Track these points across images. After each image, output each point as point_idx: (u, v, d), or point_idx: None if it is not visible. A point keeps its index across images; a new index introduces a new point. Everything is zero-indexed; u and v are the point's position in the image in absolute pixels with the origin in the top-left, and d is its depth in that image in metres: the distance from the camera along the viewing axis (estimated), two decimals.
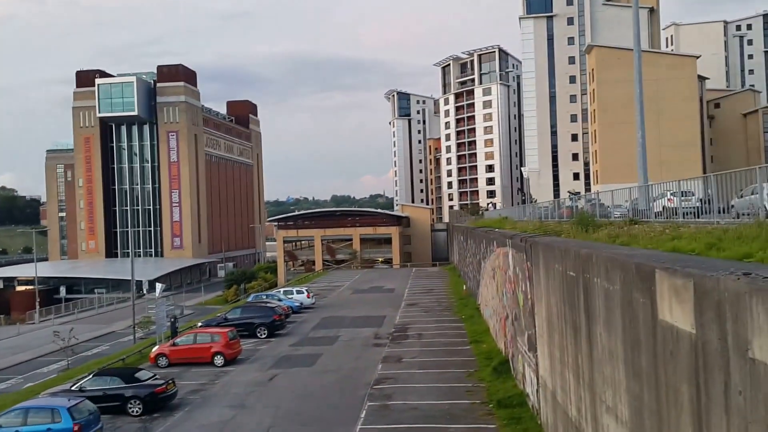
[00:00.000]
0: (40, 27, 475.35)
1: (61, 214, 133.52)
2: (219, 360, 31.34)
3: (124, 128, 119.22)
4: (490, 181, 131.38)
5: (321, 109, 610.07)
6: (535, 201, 66.77)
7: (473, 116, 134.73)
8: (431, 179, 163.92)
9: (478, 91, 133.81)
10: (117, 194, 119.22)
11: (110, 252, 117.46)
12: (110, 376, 24.74)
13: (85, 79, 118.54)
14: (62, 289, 79.40)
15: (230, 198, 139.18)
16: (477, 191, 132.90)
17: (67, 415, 19.61)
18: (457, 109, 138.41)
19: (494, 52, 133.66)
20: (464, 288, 54.87)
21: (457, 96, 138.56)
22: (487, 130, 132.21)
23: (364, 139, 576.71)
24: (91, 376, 25.09)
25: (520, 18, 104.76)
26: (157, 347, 33.43)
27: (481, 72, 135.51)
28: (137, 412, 23.74)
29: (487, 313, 36.64)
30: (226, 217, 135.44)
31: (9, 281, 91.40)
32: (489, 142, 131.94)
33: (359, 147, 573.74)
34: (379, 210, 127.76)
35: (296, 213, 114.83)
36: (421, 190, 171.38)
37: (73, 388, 24.39)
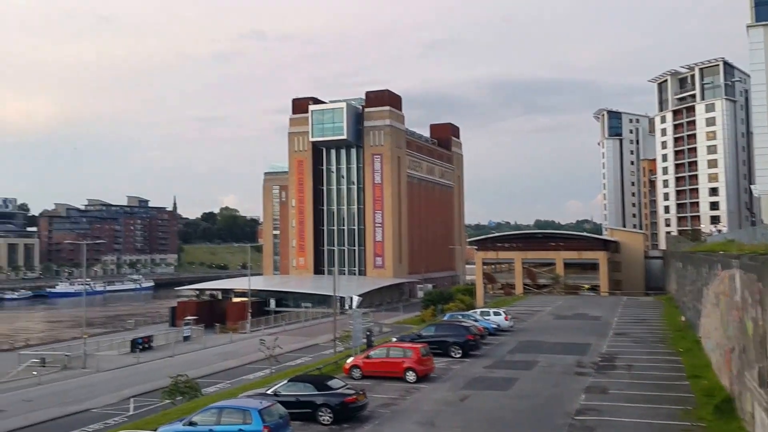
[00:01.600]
0: (261, 62, 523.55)
1: (275, 232, 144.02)
2: (411, 376, 30.86)
3: (333, 152, 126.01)
4: (714, 206, 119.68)
5: (523, 132, 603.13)
6: None
7: (694, 134, 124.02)
8: (645, 203, 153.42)
9: (699, 108, 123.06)
10: (325, 214, 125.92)
11: (318, 269, 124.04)
12: (303, 383, 25.17)
13: (299, 106, 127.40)
14: (272, 302, 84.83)
15: (431, 220, 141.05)
16: (698, 216, 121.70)
17: (258, 417, 20.03)
18: (676, 127, 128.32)
19: (718, 65, 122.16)
20: (682, 319, 49.71)
21: (676, 113, 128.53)
22: (711, 149, 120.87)
23: (568, 162, 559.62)
24: (285, 382, 25.71)
25: (747, 26, 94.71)
26: (351, 359, 33.80)
27: (704, 87, 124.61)
28: (327, 420, 23.85)
29: (708, 346, 32.51)
30: (426, 239, 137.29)
31: (226, 293, 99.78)
32: (712, 163, 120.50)
33: (563, 171, 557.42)
34: (584, 233, 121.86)
35: (496, 234, 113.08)
36: (633, 215, 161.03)
37: (268, 392, 25.12)
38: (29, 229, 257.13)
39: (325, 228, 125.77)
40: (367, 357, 32.69)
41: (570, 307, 66.87)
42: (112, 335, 71.88)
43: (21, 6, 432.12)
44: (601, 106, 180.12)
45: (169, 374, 34.10)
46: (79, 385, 43.13)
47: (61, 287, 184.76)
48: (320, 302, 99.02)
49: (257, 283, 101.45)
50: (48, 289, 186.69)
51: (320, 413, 23.95)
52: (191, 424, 20.64)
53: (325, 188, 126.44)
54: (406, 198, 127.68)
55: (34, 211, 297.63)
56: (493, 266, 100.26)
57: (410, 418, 24.32)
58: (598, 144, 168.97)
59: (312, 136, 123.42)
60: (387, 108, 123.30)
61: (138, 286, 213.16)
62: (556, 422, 22.99)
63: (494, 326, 47.79)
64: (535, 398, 27.02)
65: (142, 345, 58.88)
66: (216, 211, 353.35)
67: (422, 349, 32.21)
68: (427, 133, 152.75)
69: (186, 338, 66.06)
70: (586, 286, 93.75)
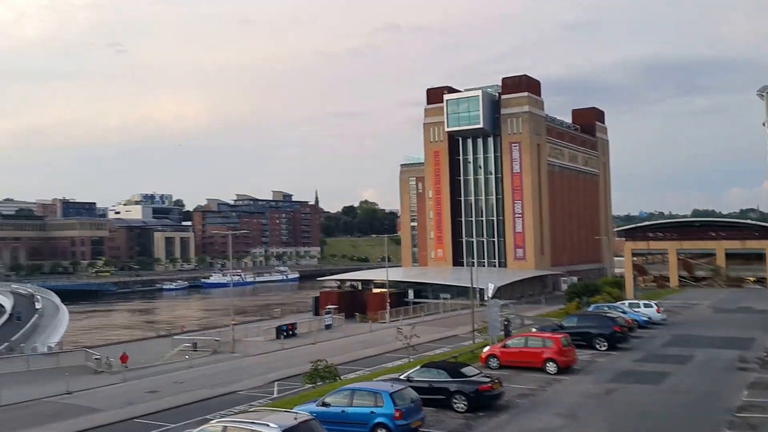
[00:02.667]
0: (395, 55, 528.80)
1: (412, 224, 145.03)
2: (551, 367, 29.68)
3: (470, 141, 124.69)
4: None
5: (677, 115, 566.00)
6: None
7: None
8: None
9: None
10: (462, 205, 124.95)
11: (456, 260, 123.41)
12: (437, 369, 24.92)
13: (434, 96, 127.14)
14: (410, 293, 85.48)
15: (574, 210, 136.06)
16: None
17: (389, 400, 19.98)
18: None
19: None
20: None
21: None
22: None
23: (729, 146, 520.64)
24: (418, 368, 25.55)
25: None
26: (488, 348, 33.09)
27: None
28: (462, 408, 23.45)
29: None
30: (570, 230, 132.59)
31: (366, 284, 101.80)
32: None
33: (723, 156, 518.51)
34: (748, 221, 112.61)
35: (647, 223, 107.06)
36: None
37: (401, 377, 25.07)
38: (184, 223, 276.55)
39: (462, 219, 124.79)
40: (504, 346, 31.86)
41: (732, 301, 61.96)
42: (259, 323, 75.34)
43: (179, 15, 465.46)
44: (765, 83, 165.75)
45: (309, 360, 34.91)
46: (228, 368, 45.19)
47: (214, 278, 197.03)
48: (459, 294, 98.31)
49: (396, 274, 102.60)
50: (202, 280, 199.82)
51: (455, 400, 23.61)
52: (324, 404, 20.98)
53: (462, 179, 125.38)
54: (547, 187, 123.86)
55: (189, 206, 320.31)
56: (644, 257, 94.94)
57: (550, 409, 23.32)
58: (763, 125, 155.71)
59: (447, 126, 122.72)
60: (525, 94, 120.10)
61: (284, 278, 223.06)
62: (715, 418, 21.14)
63: (645, 319, 45.13)
64: (691, 393, 25.06)
65: (286, 332, 61.25)
66: (356, 204, 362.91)
67: (563, 339, 30.89)
68: (568, 119, 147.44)
69: (327, 326, 67.93)
70: (752, 278, 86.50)
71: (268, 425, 15.90)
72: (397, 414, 19.71)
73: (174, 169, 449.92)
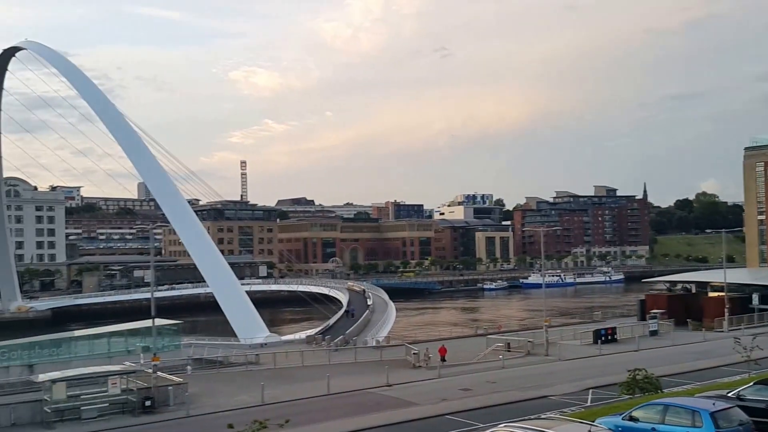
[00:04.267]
0: (743, 22, 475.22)
1: (760, 218, 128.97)
2: None
3: None
4: None
5: None
6: None
7: None
8: None
9: None
10: None
11: None
12: None
13: None
14: (755, 297, 76.17)
15: None
16: None
17: (709, 420, 17.89)
18: None
19: None
20: None
21: None
22: None
23: None
24: (752, 384, 22.49)
25: None
26: None
27: None
28: None
29: None
30: None
31: (702, 286, 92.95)
32: None
33: None
34: None
35: None
36: None
37: (729, 395, 22.31)
38: (504, 222, 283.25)
39: None
40: None
41: None
42: (576, 326, 73.62)
43: (499, 11, 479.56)
44: None
45: (626, 368, 33.35)
46: (540, 372, 44.99)
47: (533, 278, 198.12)
48: None
49: (739, 276, 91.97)
50: (522, 280, 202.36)
51: None
52: (632, 419, 19.63)
53: None
54: None
55: (509, 205, 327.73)
56: None
57: None
58: None
59: None
60: None
61: (608, 279, 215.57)
62: None
63: None
64: None
65: (605, 336, 58.93)
66: (692, 197, 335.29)
67: None
68: None
69: (653, 333, 63.81)
70: None
71: None
72: None
73: (495, 168, 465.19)
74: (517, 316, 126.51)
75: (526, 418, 19.33)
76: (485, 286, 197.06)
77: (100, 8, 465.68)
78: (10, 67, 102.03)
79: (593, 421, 20.83)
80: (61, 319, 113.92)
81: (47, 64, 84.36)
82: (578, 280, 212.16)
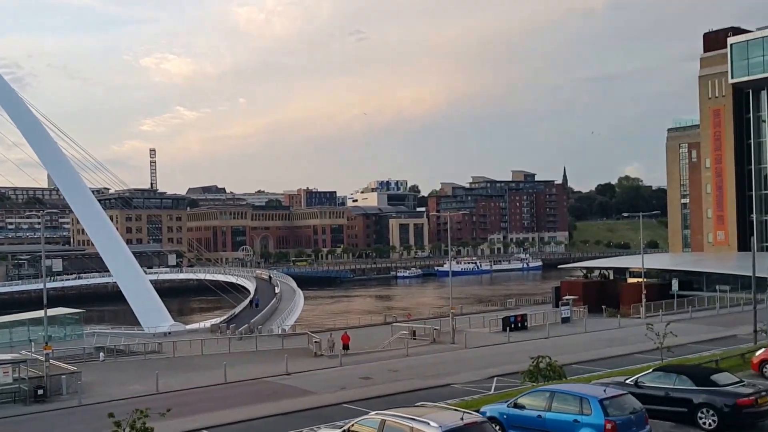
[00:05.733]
0: (662, 3, 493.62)
1: (683, 201, 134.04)
2: None
3: (763, 94, 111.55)
4: None
5: None
6: None
7: None
8: None
9: None
10: (753, 175, 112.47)
11: (743, 245, 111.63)
12: (677, 374, 21.87)
13: (714, 41, 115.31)
14: (674, 284, 79.01)
15: None
16: None
17: (598, 407, 17.66)
18: None
19: None
20: None
21: None
22: None
23: None
24: (651, 371, 22.52)
25: None
26: (761, 351, 28.65)
27: None
28: (710, 425, 20.36)
29: None
30: None
31: (621, 272, 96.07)
32: None
33: None
34: None
35: None
36: None
37: (627, 381, 22.33)
38: (419, 209, 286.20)
39: (753, 193, 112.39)
40: None
41: None
42: (486, 314, 74.79)
43: None
44: None
45: (530, 355, 33.69)
46: (445, 360, 45.55)
47: (447, 266, 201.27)
48: (745, 287, 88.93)
49: (660, 261, 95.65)
50: (437, 268, 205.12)
51: (700, 415, 20.60)
52: (517, 406, 19.49)
53: (752, 142, 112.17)
54: None
55: (424, 192, 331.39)
56: None
57: None
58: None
59: (732, 77, 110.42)
60: None
61: (525, 266, 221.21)
62: None
63: None
64: None
65: (514, 324, 59.77)
66: (614, 182, 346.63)
67: None
68: None
69: (565, 320, 65.33)
70: None
71: (428, 423, 15.31)
72: (608, 426, 17.39)
73: (411, 154, 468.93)
74: (432, 303, 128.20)
75: (400, 406, 18.95)
76: (398, 274, 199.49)
77: None
78: None
79: (479, 409, 20.37)
80: None
81: None
82: (495, 267, 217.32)
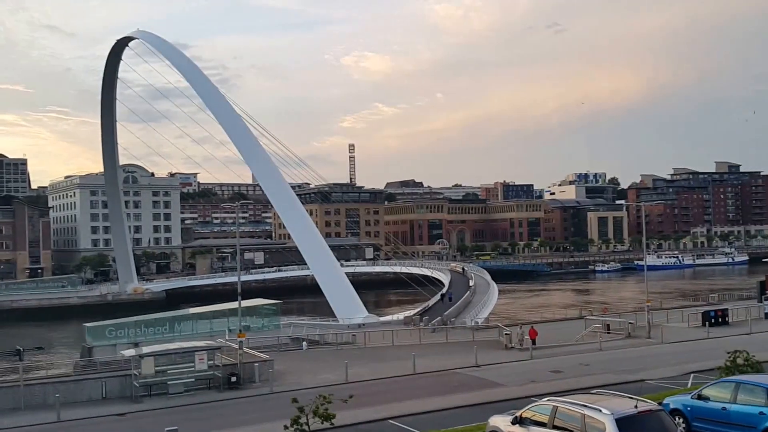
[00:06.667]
0: None
1: None
2: None
3: None
4: None
5: None
6: None
7: None
8: None
9: None
10: None
11: None
12: None
13: None
14: None
15: None
16: None
17: None
18: None
19: None
20: None
21: None
22: None
23: None
24: None
25: None
26: None
27: None
28: None
29: None
30: None
31: None
32: None
33: None
34: None
35: None
36: None
37: None
38: (618, 202, 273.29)
39: None
40: None
41: None
42: (686, 308, 70.15)
43: None
44: None
45: (726, 350, 31.48)
46: (640, 355, 43.18)
47: (649, 260, 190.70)
48: None
49: None
50: (636, 262, 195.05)
51: None
52: (701, 397, 18.34)
53: None
54: None
55: (624, 184, 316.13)
56: None
57: None
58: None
59: None
60: None
61: (730, 260, 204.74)
62: None
63: None
64: None
65: (714, 319, 55.83)
66: None
67: None
68: None
69: None
70: None
71: (600, 410, 14.71)
72: None
73: (610, 146, 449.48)
74: (632, 298, 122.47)
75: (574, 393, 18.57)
76: (597, 268, 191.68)
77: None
78: (128, 60, 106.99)
79: (662, 401, 19.72)
80: (175, 300, 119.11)
81: (158, 54, 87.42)
82: (697, 261, 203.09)
